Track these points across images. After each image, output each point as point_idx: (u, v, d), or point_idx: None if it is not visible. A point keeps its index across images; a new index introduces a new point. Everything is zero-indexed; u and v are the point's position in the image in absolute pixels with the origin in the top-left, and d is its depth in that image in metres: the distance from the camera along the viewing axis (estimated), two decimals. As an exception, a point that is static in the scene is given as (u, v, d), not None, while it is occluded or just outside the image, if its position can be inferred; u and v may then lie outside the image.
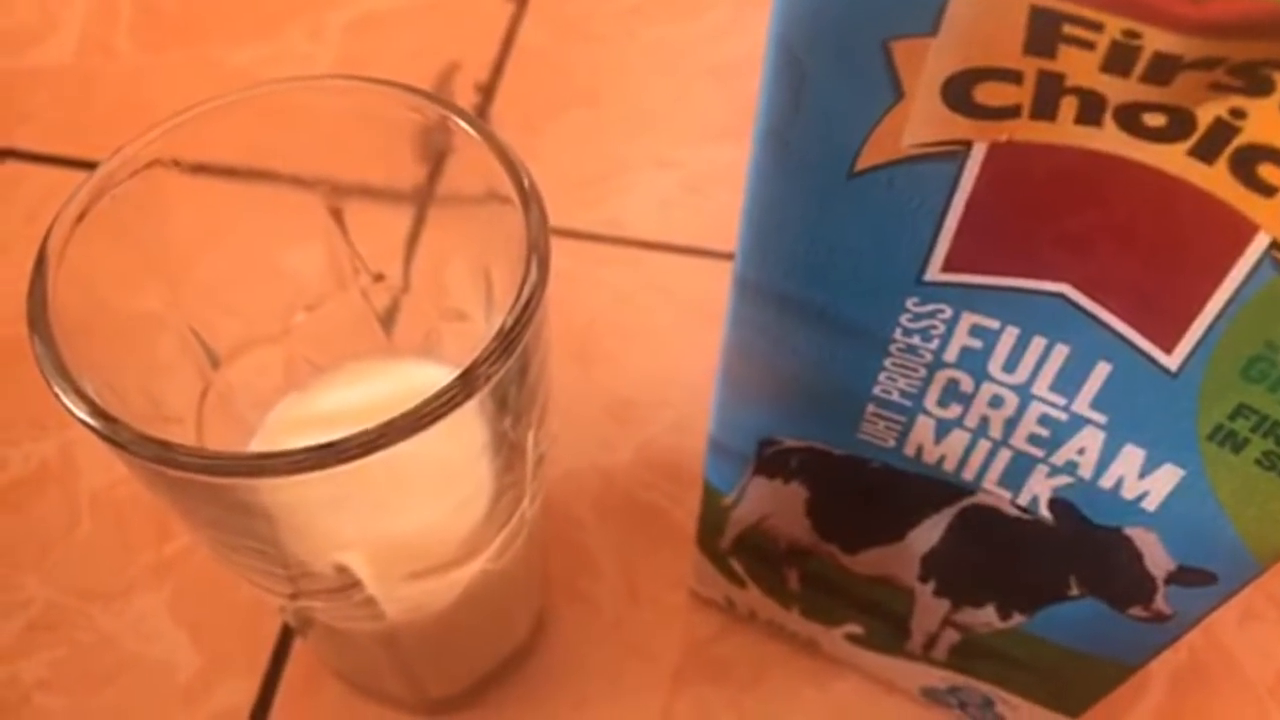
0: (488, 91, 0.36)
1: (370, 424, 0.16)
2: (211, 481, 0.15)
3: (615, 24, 0.38)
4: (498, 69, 0.37)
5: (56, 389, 0.16)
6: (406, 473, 0.16)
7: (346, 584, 0.18)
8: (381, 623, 0.20)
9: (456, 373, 0.22)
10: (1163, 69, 0.12)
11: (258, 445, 0.21)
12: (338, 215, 0.21)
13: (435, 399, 0.15)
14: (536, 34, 0.38)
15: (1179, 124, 0.13)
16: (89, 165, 0.34)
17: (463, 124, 0.19)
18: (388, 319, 0.23)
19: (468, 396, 0.15)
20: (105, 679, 0.26)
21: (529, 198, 0.18)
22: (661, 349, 0.31)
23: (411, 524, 0.18)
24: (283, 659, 0.26)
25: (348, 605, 0.19)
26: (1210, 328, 0.14)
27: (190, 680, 0.26)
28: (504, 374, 0.16)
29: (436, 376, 0.22)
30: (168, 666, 0.26)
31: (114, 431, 0.15)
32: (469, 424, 0.16)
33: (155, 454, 0.15)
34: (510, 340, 0.15)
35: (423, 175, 0.20)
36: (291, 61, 0.37)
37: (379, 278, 0.22)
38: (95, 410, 0.16)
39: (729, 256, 0.32)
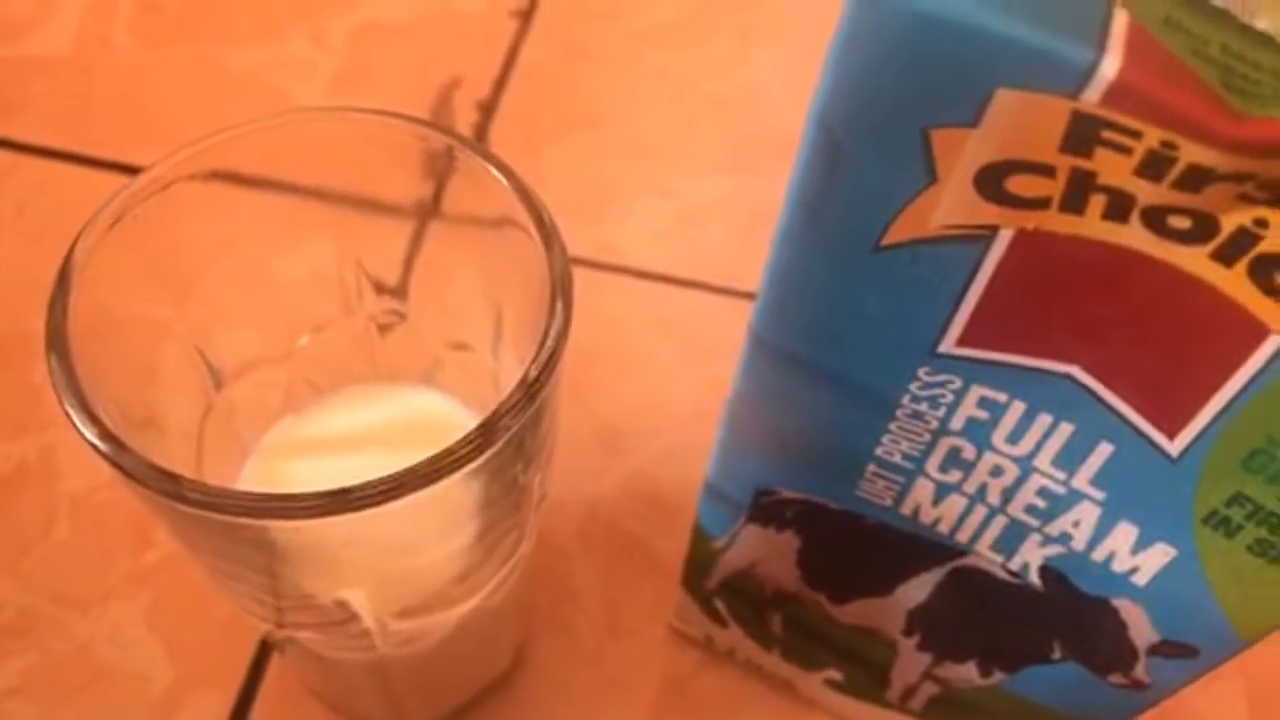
0: (488, 108, 0.36)
1: (367, 450, 0.16)
2: (219, 519, 0.15)
3: (619, 46, 0.38)
4: (499, 87, 0.37)
5: (69, 409, 0.16)
6: (418, 516, 0.16)
7: (344, 618, 0.18)
8: (372, 654, 0.20)
9: (455, 401, 0.22)
10: (1195, 179, 0.12)
11: (254, 466, 0.21)
12: (348, 241, 0.21)
13: (456, 449, 0.15)
14: (540, 52, 0.38)
15: (1203, 228, 0.13)
16: (83, 159, 0.34)
17: (482, 160, 0.19)
18: (391, 344, 0.23)
19: (488, 446, 0.15)
20: (77, 688, 0.25)
21: (550, 237, 0.18)
22: (653, 379, 0.31)
23: (416, 563, 0.18)
24: (259, 675, 0.26)
25: (341, 637, 0.19)
26: (1215, 419, 0.15)
27: (164, 693, 0.26)
28: (523, 423, 0.16)
29: (436, 404, 0.23)
30: (141, 677, 0.26)
31: (123, 459, 0.15)
32: (483, 470, 0.16)
33: (165, 488, 0.15)
34: (534, 390, 0.15)
35: (434, 208, 0.20)
36: (292, 66, 0.36)
37: (386, 303, 0.22)
38: (105, 434, 0.16)
39: (723, 290, 0.33)
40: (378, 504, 0.15)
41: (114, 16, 0.37)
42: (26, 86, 0.35)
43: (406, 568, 0.18)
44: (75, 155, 0.34)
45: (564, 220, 0.35)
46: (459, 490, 0.16)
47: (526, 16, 0.38)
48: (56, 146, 0.34)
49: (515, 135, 0.36)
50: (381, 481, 0.15)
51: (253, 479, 0.21)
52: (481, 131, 0.36)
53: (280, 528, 0.15)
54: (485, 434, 0.15)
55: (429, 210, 0.21)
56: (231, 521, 0.15)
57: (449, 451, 0.15)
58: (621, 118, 0.36)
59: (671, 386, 0.31)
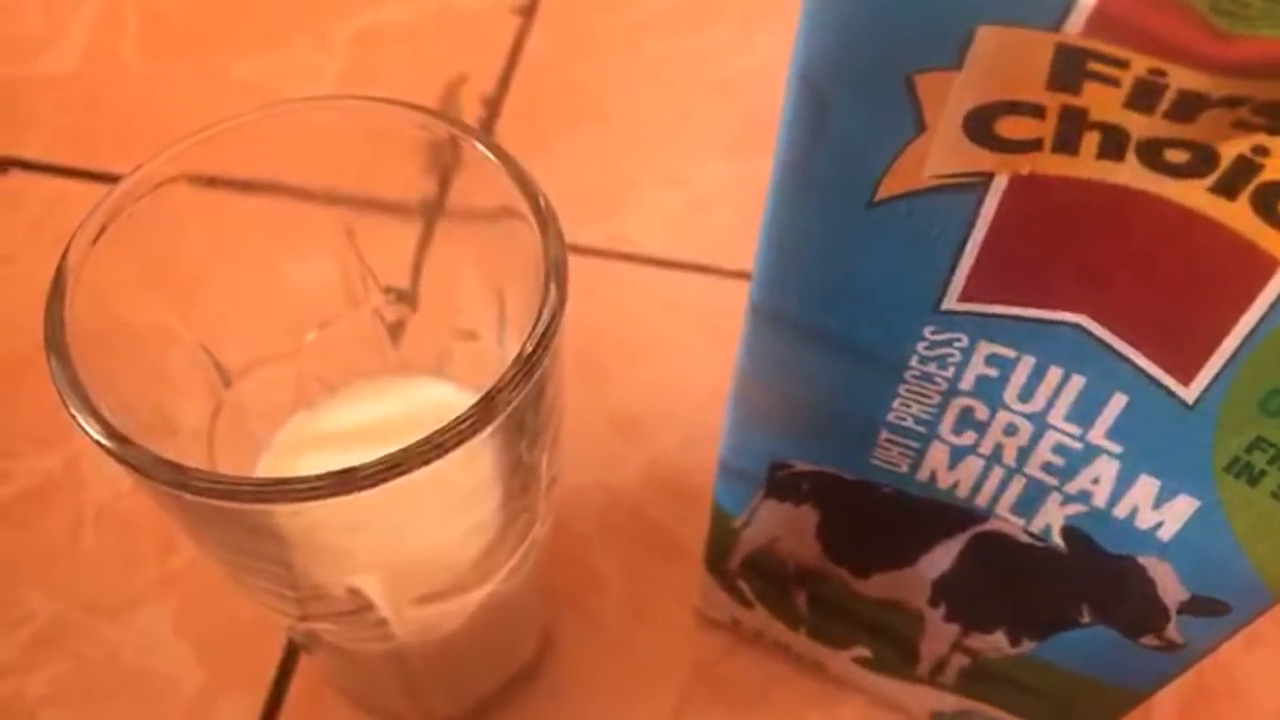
0: (494, 105, 0.36)
1: (380, 443, 0.16)
2: (226, 506, 0.15)
3: (623, 38, 0.38)
4: (504, 82, 0.37)
5: (72, 410, 0.16)
6: (422, 497, 0.16)
7: (359, 606, 0.18)
8: (391, 644, 0.20)
9: (466, 391, 0.22)
10: (1187, 107, 0.12)
11: (267, 463, 0.21)
12: (351, 234, 0.21)
13: (454, 425, 0.15)
14: (543, 47, 0.38)
15: (1201, 160, 0.13)
16: (95, 175, 0.34)
17: (478, 144, 0.19)
18: (399, 337, 0.23)
19: (487, 423, 0.15)
20: (109, 694, 0.26)
21: (546, 218, 0.18)
22: (667, 365, 0.31)
23: (426, 547, 0.18)
24: (287, 675, 0.26)
25: (359, 627, 0.19)
26: (1229, 361, 0.14)
27: (194, 696, 0.26)
28: (522, 399, 0.15)
29: (447, 395, 0.23)
30: (172, 682, 0.26)
31: (128, 454, 0.15)
32: (486, 448, 0.16)
33: (170, 478, 0.15)
34: (530, 365, 0.15)
35: (435, 195, 0.20)
36: (298, 73, 0.37)
37: (391, 295, 0.22)
38: (110, 432, 0.16)
39: (735, 274, 0.33)
40: (379, 483, 0.15)
41: (121, 32, 0.37)
42: (37, 105, 0.35)
43: (416, 552, 0.18)
44: (87, 171, 0.34)
45: (574, 211, 0.35)
46: (462, 470, 0.16)
47: (528, 12, 0.38)
48: (69, 164, 0.34)
49: (522, 130, 0.36)
50: (382, 461, 0.15)
51: (266, 475, 0.21)
52: (488, 127, 0.36)
53: (285, 512, 0.15)
54: (483, 410, 0.15)
55: (432, 204, 0.21)
56: (237, 508, 0.15)
57: (447, 429, 0.15)
58: (627, 108, 0.36)
59: (688, 372, 0.31)
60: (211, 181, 0.18)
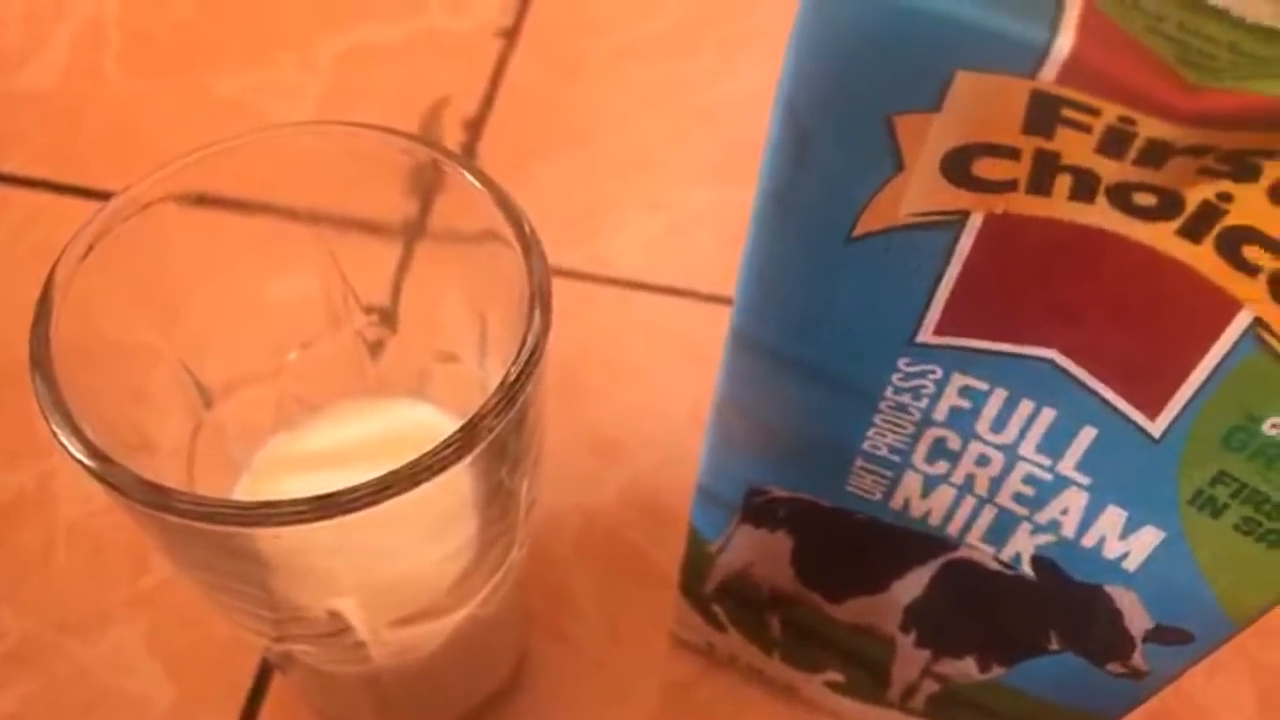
0: (475, 127, 0.36)
1: (359, 465, 0.16)
2: (208, 529, 0.15)
3: (605, 63, 0.38)
4: (487, 104, 0.37)
5: (55, 428, 0.16)
6: (404, 521, 0.16)
7: (337, 629, 0.18)
8: (368, 665, 0.20)
9: (446, 413, 0.23)
10: (1155, 153, 0.13)
11: (247, 484, 0.21)
12: (334, 255, 0.21)
13: (438, 450, 0.15)
14: (526, 70, 0.38)
15: (1168, 204, 0.13)
16: (74, 190, 0.34)
17: (462, 170, 0.19)
18: (379, 358, 0.23)
19: (470, 449, 0.15)
20: (79, 713, 0.25)
21: (530, 244, 0.18)
22: (645, 388, 0.31)
23: (405, 570, 0.18)
24: (260, 695, 0.26)
25: (336, 649, 0.19)
26: (1193, 398, 0.15)
27: (165, 715, 0.26)
28: (505, 425, 0.16)
29: (426, 417, 0.23)
30: (143, 701, 0.26)
31: (110, 474, 0.15)
32: (467, 474, 0.16)
33: (152, 499, 0.15)
34: (514, 392, 0.16)
35: (417, 217, 0.21)
36: (281, 91, 0.37)
37: (373, 316, 0.22)
38: (93, 451, 0.16)
39: (714, 298, 0.33)
40: (362, 508, 0.15)
41: (104, 47, 0.37)
42: (17, 120, 0.35)
43: (396, 575, 0.18)
44: (67, 186, 0.34)
45: (554, 234, 0.35)
46: (444, 494, 0.16)
47: (512, 35, 0.39)
48: (48, 178, 0.34)
49: (504, 152, 0.36)
50: (365, 485, 0.15)
51: (245, 496, 0.21)
52: (470, 149, 0.36)
53: (268, 535, 0.15)
54: (466, 436, 0.15)
55: (415, 227, 0.21)
56: (220, 531, 0.15)
57: (431, 454, 0.15)
58: (609, 132, 0.37)
59: (665, 395, 0.31)
60: (199, 201, 0.19)
